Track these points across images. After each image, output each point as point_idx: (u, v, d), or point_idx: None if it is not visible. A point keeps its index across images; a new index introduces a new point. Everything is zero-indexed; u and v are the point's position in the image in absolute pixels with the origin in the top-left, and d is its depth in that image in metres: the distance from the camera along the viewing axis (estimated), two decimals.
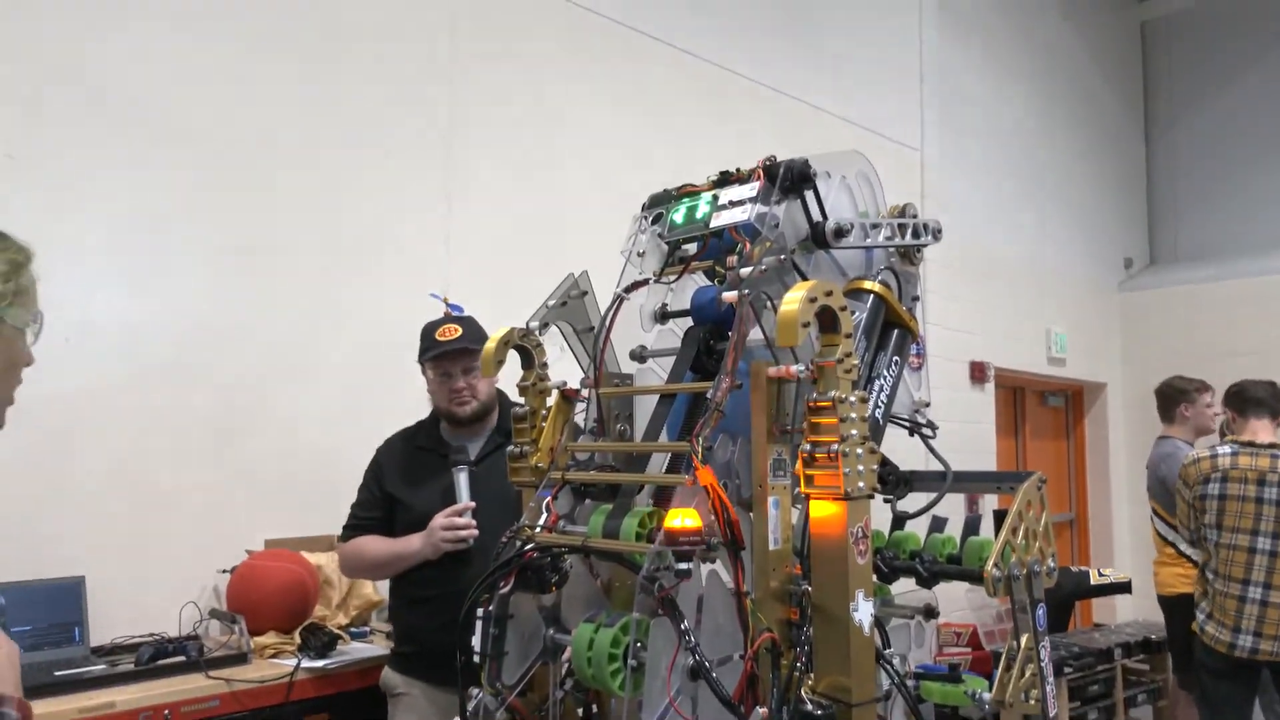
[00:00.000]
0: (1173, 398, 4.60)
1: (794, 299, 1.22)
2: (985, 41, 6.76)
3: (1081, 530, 7.70)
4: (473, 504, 2.40)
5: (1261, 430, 3.74)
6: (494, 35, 3.97)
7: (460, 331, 2.47)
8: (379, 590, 3.19)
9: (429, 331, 2.53)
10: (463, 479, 2.43)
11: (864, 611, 1.25)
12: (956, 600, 5.35)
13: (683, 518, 1.25)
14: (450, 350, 2.47)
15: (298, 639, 2.78)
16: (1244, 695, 3.71)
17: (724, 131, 4.75)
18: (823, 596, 1.28)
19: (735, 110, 4.92)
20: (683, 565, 1.24)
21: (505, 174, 3.95)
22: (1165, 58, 8.36)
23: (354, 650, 2.83)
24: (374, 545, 2.53)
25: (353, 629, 3.04)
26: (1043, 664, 1.47)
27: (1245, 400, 3.83)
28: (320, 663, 2.65)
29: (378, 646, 2.91)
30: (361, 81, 3.56)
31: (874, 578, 1.45)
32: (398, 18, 3.69)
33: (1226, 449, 3.73)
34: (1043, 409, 7.54)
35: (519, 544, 1.47)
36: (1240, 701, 3.70)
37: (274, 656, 2.71)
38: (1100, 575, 5.49)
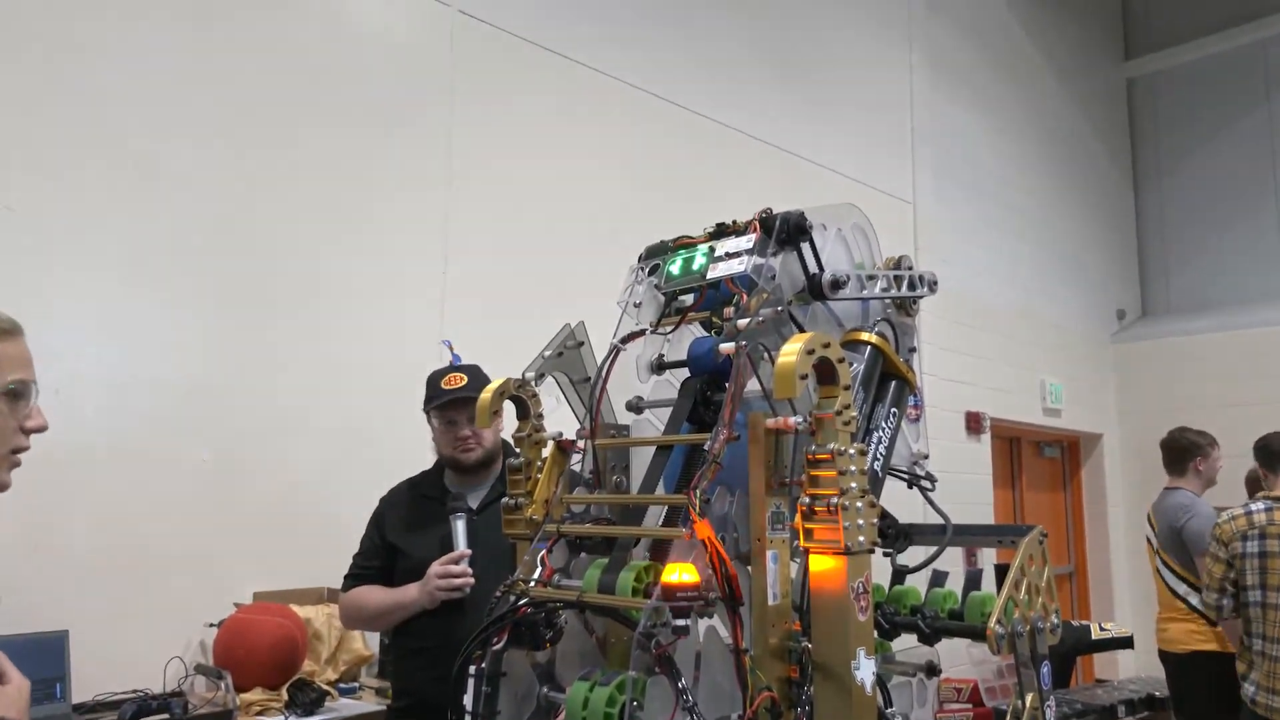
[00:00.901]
0: (1188, 450, 4.53)
1: (791, 351, 1.22)
2: (976, 96, 6.89)
3: (1081, 583, 7.62)
4: (468, 552, 2.37)
5: None
6: (491, 91, 4.03)
7: (466, 380, 2.47)
8: (369, 645, 3.13)
9: (435, 380, 2.53)
10: (460, 526, 2.40)
11: (866, 670, 1.22)
12: (957, 655, 5.26)
13: (680, 572, 1.22)
14: (456, 399, 2.46)
15: (285, 695, 2.72)
16: None
17: (719, 185, 4.80)
18: (823, 654, 1.25)
19: (731, 164, 4.98)
20: (680, 621, 1.21)
21: (501, 228, 3.98)
22: (1151, 113, 8.53)
23: (342, 707, 2.77)
24: (373, 595, 2.49)
25: (341, 685, 2.98)
26: None
27: (1273, 455, 3.76)
28: None
29: (367, 703, 2.85)
30: (360, 138, 3.60)
31: (875, 634, 1.42)
32: (395, 73, 3.75)
33: (1260, 505, 3.62)
34: (1039, 460, 7.52)
35: (513, 599, 1.44)
36: None
37: (260, 714, 2.65)
38: (1101, 630, 5.41)
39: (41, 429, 1.36)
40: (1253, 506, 3.65)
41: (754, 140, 5.15)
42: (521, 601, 1.41)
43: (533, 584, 1.46)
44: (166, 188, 3.09)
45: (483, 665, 1.39)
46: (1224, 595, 3.67)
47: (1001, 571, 1.46)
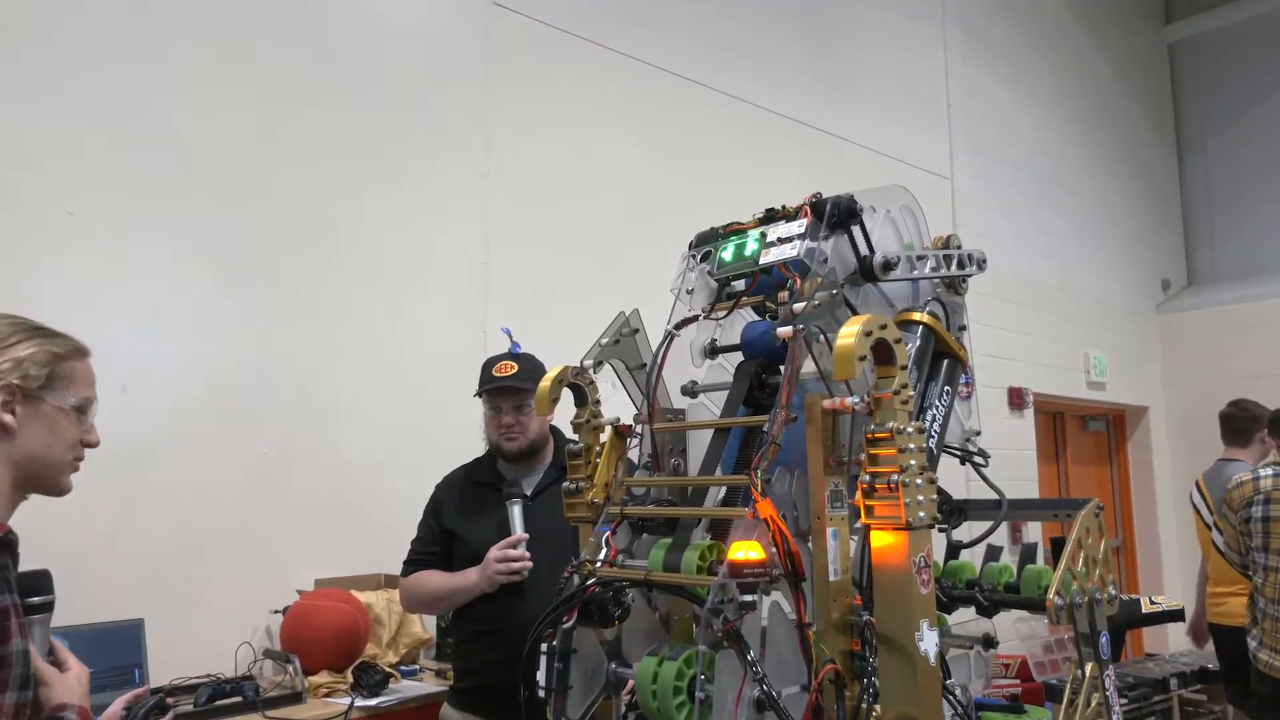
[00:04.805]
0: (1252, 421, 4.54)
1: (849, 333, 1.24)
2: (1012, 67, 6.79)
3: (1129, 557, 7.55)
4: (526, 536, 2.42)
5: None
6: (526, 79, 4.06)
7: (516, 369, 2.51)
8: (428, 628, 3.21)
9: (488, 365, 2.58)
10: (516, 512, 2.45)
11: (929, 641, 1.26)
12: (1004, 631, 5.25)
13: (746, 550, 1.26)
14: (502, 386, 2.51)
15: (350, 678, 2.80)
16: None
17: (757, 167, 4.81)
18: (887, 627, 1.28)
19: (767, 146, 4.98)
20: (747, 597, 1.25)
21: (541, 214, 4.03)
22: (1193, 78, 8.33)
23: (405, 688, 2.85)
24: (433, 580, 2.56)
25: (402, 666, 3.06)
26: (1108, 693, 1.46)
27: None
28: (373, 701, 2.68)
29: (428, 684, 2.93)
30: (400, 131, 3.66)
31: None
32: (431, 65, 3.80)
33: (1268, 471, 3.71)
34: (1084, 434, 7.44)
35: (579, 579, 1.49)
36: None
37: (328, 695, 2.74)
38: (1151, 604, 5.37)
39: (95, 444, 1.45)
40: (1261, 473, 3.72)
41: (790, 121, 5.14)
42: (590, 581, 1.46)
43: (599, 564, 1.51)
44: (216, 185, 3.18)
45: (554, 643, 1.44)
46: (1244, 558, 3.78)
47: (1059, 545, 1.49)
